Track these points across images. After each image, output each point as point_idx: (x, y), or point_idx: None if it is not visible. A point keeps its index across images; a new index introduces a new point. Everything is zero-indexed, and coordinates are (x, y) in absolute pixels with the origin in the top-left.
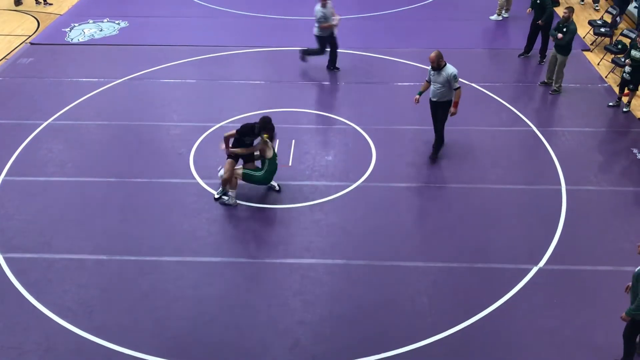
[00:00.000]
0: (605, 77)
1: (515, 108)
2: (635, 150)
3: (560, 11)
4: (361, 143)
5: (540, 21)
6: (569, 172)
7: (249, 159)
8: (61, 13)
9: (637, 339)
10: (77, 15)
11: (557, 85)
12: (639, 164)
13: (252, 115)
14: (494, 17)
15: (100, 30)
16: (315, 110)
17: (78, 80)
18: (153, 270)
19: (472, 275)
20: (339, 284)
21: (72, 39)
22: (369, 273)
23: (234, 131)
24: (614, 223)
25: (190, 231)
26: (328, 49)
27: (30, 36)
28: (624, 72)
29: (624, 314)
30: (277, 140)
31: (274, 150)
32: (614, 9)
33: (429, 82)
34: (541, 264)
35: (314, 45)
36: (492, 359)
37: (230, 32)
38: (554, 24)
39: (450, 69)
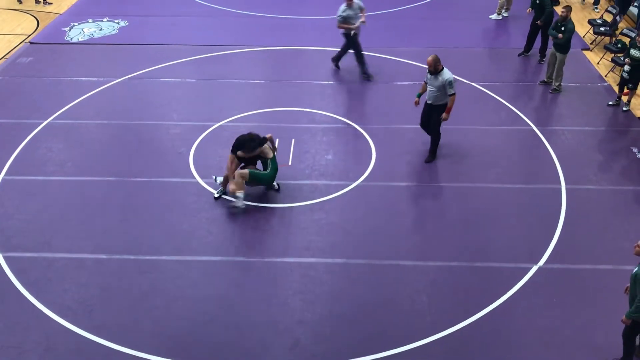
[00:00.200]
0: (605, 76)
1: (515, 107)
2: (635, 149)
3: (559, 10)
4: (361, 142)
5: (539, 21)
6: (569, 171)
7: (250, 161)
8: (61, 12)
9: (637, 339)
10: (77, 14)
11: (556, 84)
12: (638, 163)
13: (252, 114)
14: (494, 16)
15: (100, 30)
16: (315, 109)
17: (78, 79)
18: (153, 269)
19: (472, 275)
20: (339, 283)
21: (71, 38)
22: (368, 272)
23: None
24: (613, 222)
25: (190, 231)
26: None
27: (29, 35)
28: (624, 71)
29: (624, 317)
30: (277, 140)
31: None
32: (614, 7)
33: (427, 83)
34: (541, 263)
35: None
36: (491, 358)
37: (230, 31)
38: (553, 23)
39: (446, 74)
